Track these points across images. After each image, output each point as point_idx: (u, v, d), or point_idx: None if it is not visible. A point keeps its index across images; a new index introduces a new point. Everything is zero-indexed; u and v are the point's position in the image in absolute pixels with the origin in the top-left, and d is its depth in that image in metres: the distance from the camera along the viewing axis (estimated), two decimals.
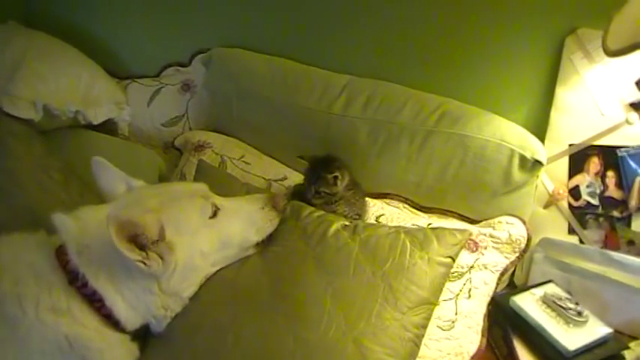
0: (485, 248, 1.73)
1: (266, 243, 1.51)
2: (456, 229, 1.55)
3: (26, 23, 2.32)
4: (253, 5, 2.10)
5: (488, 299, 1.67)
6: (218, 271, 1.45)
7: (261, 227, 1.51)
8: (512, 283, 1.87)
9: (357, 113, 1.88)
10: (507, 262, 1.72)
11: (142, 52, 2.39)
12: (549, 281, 1.73)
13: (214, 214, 1.43)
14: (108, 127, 2.23)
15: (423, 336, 1.40)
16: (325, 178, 1.65)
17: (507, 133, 1.73)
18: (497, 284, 1.70)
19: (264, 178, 1.99)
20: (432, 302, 1.45)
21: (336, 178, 1.65)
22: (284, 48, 2.10)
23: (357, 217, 1.73)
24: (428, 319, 1.42)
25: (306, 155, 1.73)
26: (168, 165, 2.16)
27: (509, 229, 1.74)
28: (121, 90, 2.30)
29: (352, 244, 1.48)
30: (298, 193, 1.74)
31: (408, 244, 1.48)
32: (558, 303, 1.60)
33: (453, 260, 1.50)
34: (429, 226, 1.68)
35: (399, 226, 1.57)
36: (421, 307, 1.42)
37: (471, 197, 1.81)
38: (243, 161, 2.07)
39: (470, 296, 1.65)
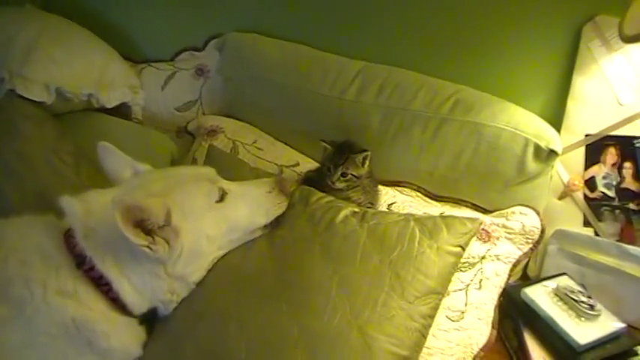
0: (498, 239, 1.72)
1: (274, 225, 1.52)
2: (466, 218, 1.53)
3: (43, 6, 2.35)
4: None
5: (499, 291, 1.65)
6: (224, 255, 1.45)
7: (268, 210, 1.51)
8: (526, 276, 1.85)
9: (370, 100, 1.88)
10: (520, 253, 1.70)
11: (156, 36, 2.40)
12: (562, 274, 1.70)
13: (221, 198, 1.43)
14: (122, 111, 2.25)
15: (429, 326, 1.38)
16: (353, 158, 1.67)
17: (522, 121, 1.70)
18: (510, 276, 1.68)
19: (276, 164, 1.99)
20: (439, 292, 1.43)
21: (365, 158, 1.68)
22: (298, 33, 2.09)
23: (369, 205, 1.72)
24: (435, 309, 1.40)
25: (328, 139, 1.74)
26: (181, 150, 2.17)
27: (523, 219, 1.72)
28: (135, 74, 2.32)
29: (360, 231, 1.46)
30: (310, 180, 1.75)
31: (417, 232, 1.46)
32: (570, 296, 1.57)
33: (463, 250, 1.48)
34: (440, 215, 1.60)
35: (409, 214, 1.55)
36: (429, 296, 1.40)
37: (484, 187, 1.80)
38: (255, 146, 2.07)
39: (481, 287, 1.64)
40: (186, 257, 1.34)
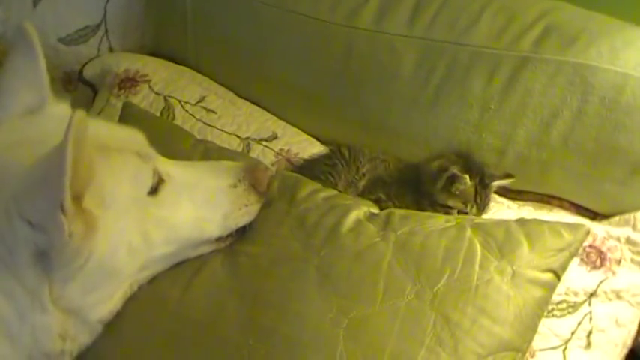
0: (619, 263, 1.47)
1: (235, 238, 1.29)
2: (562, 224, 1.28)
3: None
4: None
5: (624, 352, 1.47)
6: (152, 282, 1.22)
7: (228, 216, 1.24)
8: None
9: (399, 29, 1.64)
10: None
11: None
12: None
13: (156, 189, 1.16)
14: None
15: None
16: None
17: None
18: None
19: (238, 137, 1.75)
20: (518, 349, 1.20)
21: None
22: None
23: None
24: None
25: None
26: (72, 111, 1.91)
27: None
28: None
29: (383, 246, 1.22)
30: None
31: (478, 246, 1.21)
32: None
33: (558, 277, 1.25)
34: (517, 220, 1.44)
35: (463, 218, 1.35)
36: (500, 354, 1.15)
37: (593, 174, 1.55)
38: (202, 107, 1.80)
39: (589, 344, 1.40)
40: (91, 273, 1.05)
